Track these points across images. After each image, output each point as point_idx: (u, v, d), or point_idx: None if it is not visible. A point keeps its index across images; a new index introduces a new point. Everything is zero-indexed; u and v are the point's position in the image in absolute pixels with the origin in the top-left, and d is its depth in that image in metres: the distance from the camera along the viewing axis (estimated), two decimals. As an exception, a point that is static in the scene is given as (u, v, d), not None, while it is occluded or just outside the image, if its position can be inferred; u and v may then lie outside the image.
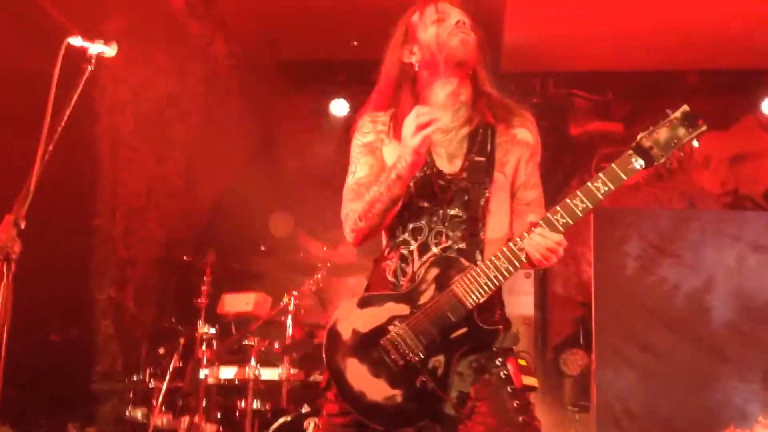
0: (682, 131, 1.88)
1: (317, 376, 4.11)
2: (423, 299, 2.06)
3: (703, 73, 5.17)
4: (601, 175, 1.88)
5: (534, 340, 5.74)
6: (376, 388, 2.03)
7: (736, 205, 5.35)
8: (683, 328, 4.15)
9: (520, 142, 2.16)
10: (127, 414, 4.12)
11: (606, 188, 1.88)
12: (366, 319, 2.08)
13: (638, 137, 1.86)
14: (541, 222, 1.92)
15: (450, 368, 2.03)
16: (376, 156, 2.19)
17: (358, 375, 2.05)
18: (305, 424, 3.75)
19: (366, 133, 2.23)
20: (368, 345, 2.05)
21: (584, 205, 1.89)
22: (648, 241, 4.25)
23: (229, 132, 5.34)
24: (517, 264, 1.96)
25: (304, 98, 5.91)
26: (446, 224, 2.10)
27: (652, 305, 4.20)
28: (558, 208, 1.92)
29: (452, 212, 2.10)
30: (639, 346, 4.17)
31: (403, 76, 2.21)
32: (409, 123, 1.99)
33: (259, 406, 4.09)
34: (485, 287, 1.99)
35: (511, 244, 1.97)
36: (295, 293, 4.28)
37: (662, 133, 1.87)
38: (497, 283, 1.98)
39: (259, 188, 5.84)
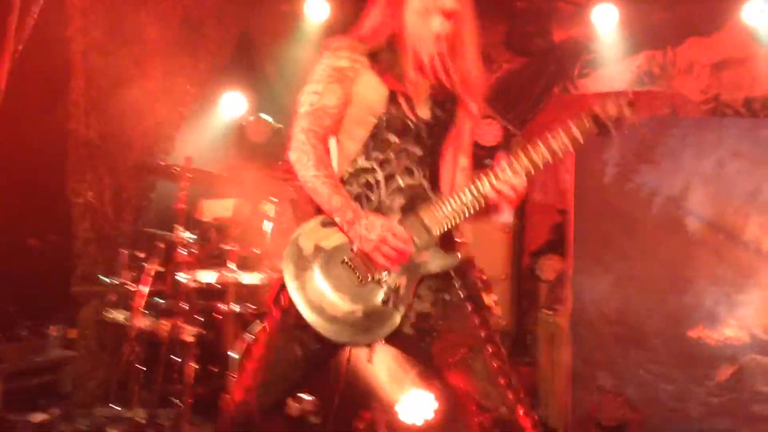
0: (628, 111, 2.08)
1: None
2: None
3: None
4: (561, 131, 2.07)
5: (511, 247, 5.83)
6: (335, 304, 2.10)
7: (716, 112, 5.36)
8: (659, 234, 4.20)
9: (472, 114, 2.32)
10: (109, 317, 4.16)
11: (564, 145, 2.07)
12: (330, 237, 2.14)
13: (591, 105, 2.07)
14: (506, 165, 2.08)
15: (410, 290, 2.12)
16: (345, 86, 2.21)
17: (318, 290, 2.11)
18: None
19: (342, 56, 2.21)
20: (330, 261, 2.12)
21: (545, 158, 2.08)
22: (628, 148, 4.25)
23: (206, 35, 5.20)
24: (482, 202, 2.10)
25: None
26: (412, 161, 2.19)
27: (629, 212, 4.24)
28: (521, 155, 2.08)
29: (419, 153, 2.20)
30: (615, 251, 4.23)
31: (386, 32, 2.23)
32: (379, 244, 2.08)
33: (240, 310, 4.14)
34: (451, 219, 2.13)
35: (479, 183, 2.10)
36: (274, 199, 4.28)
37: (611, 108, 2.07)
38: (462, 217, 2.13)
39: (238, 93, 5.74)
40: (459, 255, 2.18)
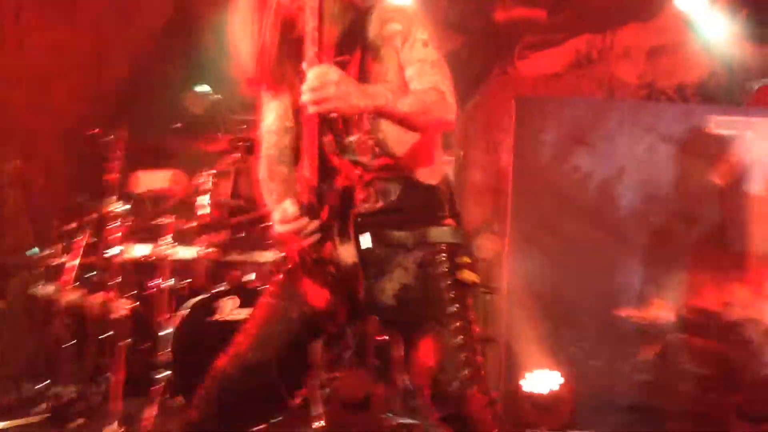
0: None
1: (235, 256, 4.12)
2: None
3: (630, -38, 5.16)
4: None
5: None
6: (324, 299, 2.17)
7: (651, 98, 5.49)
8: (593, 215, 4.29)
9: (392, 35, 2.17)
10: (38, 289, 4.04)
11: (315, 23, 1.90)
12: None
13: None
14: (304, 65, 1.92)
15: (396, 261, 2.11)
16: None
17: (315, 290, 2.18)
18: (221, 302, 3.77)
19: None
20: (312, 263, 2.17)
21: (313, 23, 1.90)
22: (566, 130, 4.31)
23: (141, 2, 5.06)
24: (312, 119, 1.98)
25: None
26: (348, 149, 2.14)
27: (565, 193, 4.32)
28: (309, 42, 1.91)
29: (352, 138, 2.14)
30: (550, 232, 4.30)
31: None
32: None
33: (174, 284, 4.07)
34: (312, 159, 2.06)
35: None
36: (212, 171, 4.20)
37: None
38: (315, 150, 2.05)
39: (175, 62, 5.61)
40: (446, 225, 2.15)
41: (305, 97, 1.84)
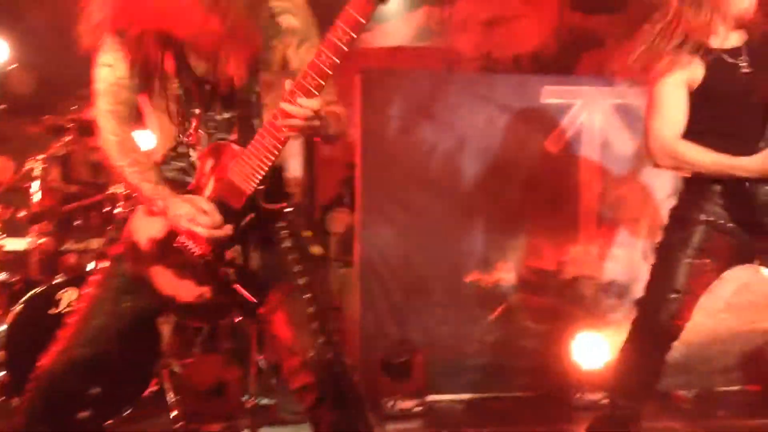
0: None
1: (70, 245, 3.91)
2: (207, 193, 2.05)
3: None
4: (339, 23, 1.83)
5: (303, 201, 5.86)
6: (184, 290, 2.04)
7: (488, 69, 5.67)
8: (438, 186, 4.41)
9: (285, 30, 2.08)
10: None
11: (347, 37, 1.83)
12: (159, 225, 2.04)
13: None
14: (294, 89, 1.88)
15: (247, 255, 2.05)
16: (138, 54, 2.05)
17: (165, 281, 2.04)
18: (59, 294, 3.58)
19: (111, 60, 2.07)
20: (167, 250, 2.03)
21: (331, 61, 1.85)
22: (410, 103, 4.38)
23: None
24: (282, 138, 1.94)
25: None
26: (220, 129, 2.08)
27: (411, 165, 4.40)
28: (307, 70, 1.88)
29: (225, 116, 2.08)
30: (399, 204, 4.38)
31: None
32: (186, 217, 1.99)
33: (6, 278, 3.82)
34: (259, 169, 1.98)
35: (272, 119, 1.94)
36: (41, 156, 3.95)
37: None
38: (269, 162, 1.98)
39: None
40: (286, 205, 2.12)
41: (292, 121, 1.87)
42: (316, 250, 2.25)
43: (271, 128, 1.95)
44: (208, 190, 2.04)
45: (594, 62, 5.23)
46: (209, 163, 2.04)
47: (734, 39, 2.70)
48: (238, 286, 2.00)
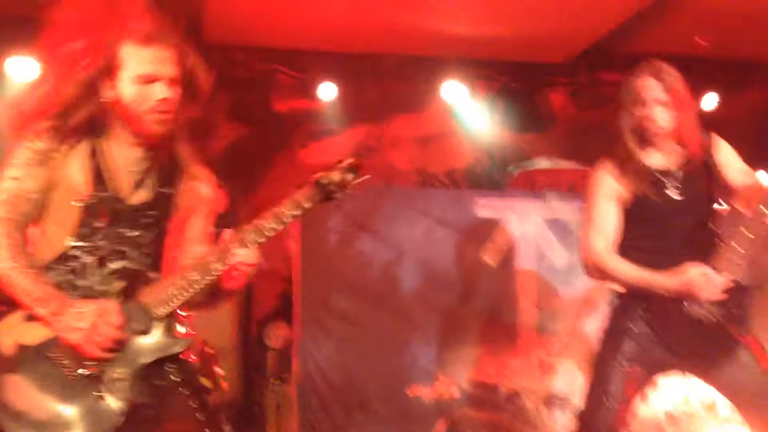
0: (350, 176, 2.11)
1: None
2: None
3: (399, 57, 5.51)
4: (287, 202, 2.06)
5: (238, 316, 5.74)
6: (41, 406, 1.92)
7: (424, 184, 5.81)
8: (378, 297, 4.42)
9: (200, 196, 2.22)
10: None
11: (291, 213, 2.05)
12: (35, 332, 1.96)
13: (315, 176, 2.07)
14: (235, 240, 2.01)
15: (131, 380, 1.99)
16: (47, 169, 2.05)
17: (21, 393, 1.93)
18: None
19: (45, 138, 2.06)
20: (36, 358, 1.94)
21: (272, 226, 2.05)
22: (349, 217, 4.45)
23: None
24: (208, 279, 2.03)
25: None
26: (128, 245, 2.08)
27: (351, 277, 4.42)
28: (250, 227, 2.04)
29: (134, 234, 2.09)
30: (338, 317, 4.36)
31: (93, 106, 2.07)
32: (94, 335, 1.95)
33: None
34: (174, 299, 2.03)
35: (207, 259, 2.02)
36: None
37: (335, 176, 2.07)
38: (186, 295, 2.03)
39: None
40: (183, 338, 2.10)
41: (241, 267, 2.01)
42: (206, 382, 2.21)
43: (202, 267, 2.02)
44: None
45: (525, 178, 5.43)
46: (118, 285, 2.05)
47: (669, 158, 2.84)
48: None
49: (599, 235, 2.82)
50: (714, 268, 2.63)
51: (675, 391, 4.24)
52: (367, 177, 2.16)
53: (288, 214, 2.05)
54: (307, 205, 2.06)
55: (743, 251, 2.61)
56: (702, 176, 2.80)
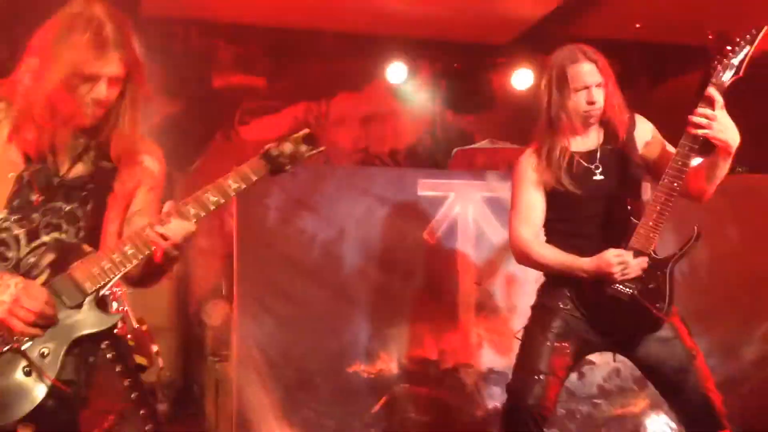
0: (303, 148, 2.09)
1: None
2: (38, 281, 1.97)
3: (340, 35, 5.49)
4: (233, 174, 2.03)
5: (177, 294, 5.67)
6: None
7: (366, 162, 5.83)
8: (319, 276, 4.41)
9: (145, 169, 2.16)
10: None
11: (237, 185, 2.02)
12: None
13: (266, 147, 2.05)
14: (174, 211, 1.96)
15: (59, 357, 1.94)
16: None
17: None
18: None
19: None
20: None
21: (216, 199, 2.01)
22: (289, 195, 4.41)
23: None
24: (146, 251, 1.98)
25: None
26: (62, 218, 2.03)
27: (291, 255, 4.39)
28: (191, 199, 1.99)
29: (67, 208, 2.04)
30: (278, 294, 4.34)
31: None
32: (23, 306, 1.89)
33: None
34: (108, 274, 1.97)
35: (146, 232, 1.97)
36: None
37: (287, 147, 2.06)
38: (123, 269, 1.98)
39: None
40: (116, 314, 2.05)
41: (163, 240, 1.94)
42: (140, 360, 2.17)
43: (140, 240, 1.97)
44: (39, 281, 1.95)
45: (465, 158, 5.48)
46: (48, 257, 1.98)
47: (591, 141, 2.90)
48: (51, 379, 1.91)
49: (525, 223, 2.88)
50: (629, 246, 2.71)
51: (606, 365, 4.39)
52: (321, 149, 2.14)
53: (233, 186, 2.00)
54: (254, 177, 2.02)
55: (652, 224, 2.69)
56: (622, 155, 2.87)
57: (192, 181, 5.59)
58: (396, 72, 5.57)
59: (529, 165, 2.89)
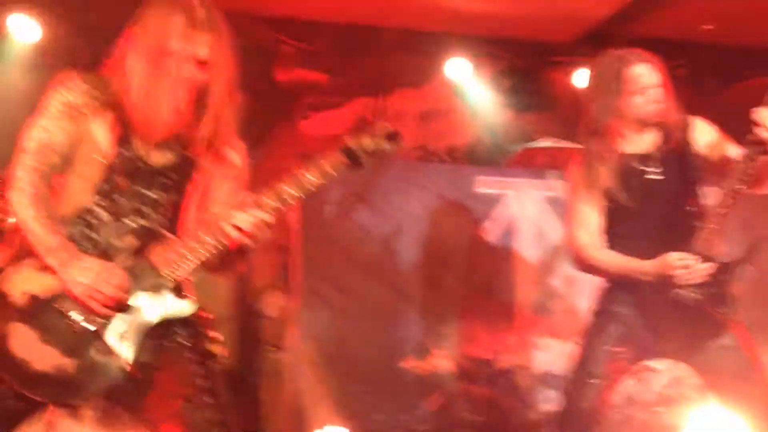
0: (386, 144, 2.06)
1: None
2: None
3: (402, 31, 5.49)
4: (312, 168, 2.03)
5: (236, 285, 5.77)
6: (44, 357, 1.94)
7: (424, 159, 5.82)
8: (374, 270, 4.45)
9: (228, 161, 2.21)
10: None
11: (315, 180, 2.03)
12: (46, 283, 1.98)
13: (346, 140, 2.03)
14: (254, 202, 2.01)
15: (134, 339, 2.01)
16: (77, 123, 2.06)
17: (24, 342, 1.94)
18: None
19: (76, 92, 2.07)
20: (43, 310, 1.95)
21: (292, 192, 2.03)
22: (348, 188, 4.46)
23: None
24: (224, 241, 2.02)
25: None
26: (146, 204, 2.09)
27: (349, 249, 4.45)
28: (269, 192, 2.03)
29: (153, 196, 2.10)
30: (335, 287, 4.40)
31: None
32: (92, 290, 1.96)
33: None
34: (188, 262, 2.03)
35: (224, 223, 2.01)
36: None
37: (366, 141, 2.03)
38: (201, 259, 2.03)
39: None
40: (192, 301, 2.11)
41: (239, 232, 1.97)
42: (215, 349, 2.21)
43: (219, 230, 2.01)
44: (121, 262, 2.03)
45: (525, 156, 5.44)
46: (132, 241, 2.06)
47: (646, 143, 2.85)
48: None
49: (582, 228, 2.85)
50: (693, 250, 2.66)
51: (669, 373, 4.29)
52: (401, 147, 2.13)
53: (311, 180, 2.01)
54: (332, 171, 2.01)
55: (718, 228, 2.64)
56: (679, 156, 2.82)
57: (254, 175, 5.69)
58: (457, 69, 5.55)
59: (579, 172, 2.87)
